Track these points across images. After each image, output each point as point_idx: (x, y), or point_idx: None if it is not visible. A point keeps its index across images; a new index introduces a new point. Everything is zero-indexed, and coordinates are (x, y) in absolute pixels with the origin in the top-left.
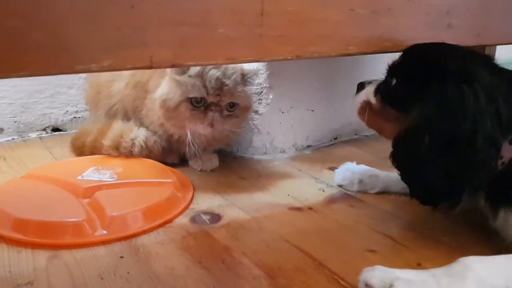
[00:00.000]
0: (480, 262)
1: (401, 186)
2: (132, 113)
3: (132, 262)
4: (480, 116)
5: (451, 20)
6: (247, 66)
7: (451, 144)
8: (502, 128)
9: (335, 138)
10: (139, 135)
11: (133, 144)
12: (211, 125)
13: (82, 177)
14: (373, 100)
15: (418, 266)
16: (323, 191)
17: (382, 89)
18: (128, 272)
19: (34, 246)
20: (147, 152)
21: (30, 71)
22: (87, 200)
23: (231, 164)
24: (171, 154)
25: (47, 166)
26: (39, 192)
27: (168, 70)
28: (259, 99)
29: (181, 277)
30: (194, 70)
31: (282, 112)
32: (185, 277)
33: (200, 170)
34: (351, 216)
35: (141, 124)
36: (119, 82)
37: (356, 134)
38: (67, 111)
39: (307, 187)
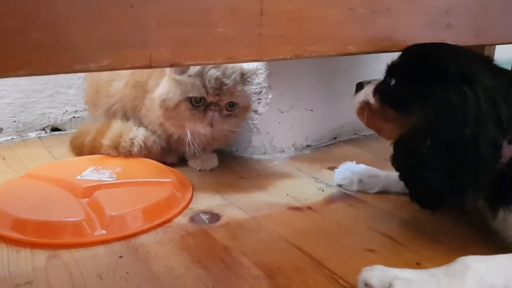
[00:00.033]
0: (479, 262)
1: (401, 186)
2: (131, 113)
3: (131, 262)
4: (482, 119)
5: (451, 20)
6: (247, 66)
7: (453, 147)
8: (502, 128)
9: (335, 138)
10: (138, 134)
11: (132, 143)
12: (211, 124)
13: (81, 176)
14: (372, 100)
15: (418, 265)
16: (323, 190)
17: (381, 89)
18: (127, 272)
19: (33, 245)
20: (146, 152)
21: (29, 71)
22: (86, 199)
23: (231, 164)
24: (170, 153)
25: (46, 166)
26: (38, 192)
27: (168, 69)
28: (259, 98)
29: (180, 277)
30: (193, 69)
31: (282, 112)
32: (184, 277)
33: (199, 170)
34: (350, 216)
35: (140, 123)
36: (118, 81)
37: (355, 134)
38: (66, 110)
39: (307, 186)
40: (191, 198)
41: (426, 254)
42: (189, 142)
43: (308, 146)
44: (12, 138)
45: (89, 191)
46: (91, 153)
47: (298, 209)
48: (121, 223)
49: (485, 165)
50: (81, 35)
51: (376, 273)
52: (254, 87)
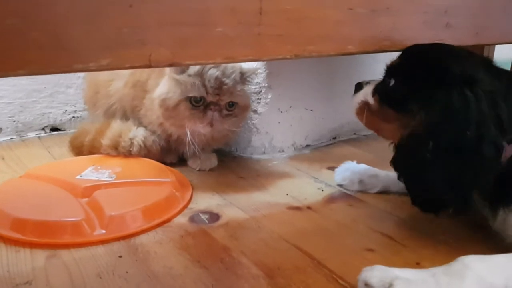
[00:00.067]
0: (479, 261)
1: (401, 186)
2: (130, 113)
3: (130, 262)
4: (484, 121)
5: (450, 20)
6: (246, 65)
7: (456, 149)
8: (503, 129)
9: (334, 138)
10: (137, 134)
11: (132, 143)
12: (211, 124)
13: (80, 176)
14: (371, 100)
15: (417, 265)
16: (322, 190)
17: (380, 90)
18: (127, 272)
19: (32, 245)
20: (146, 152)
21: (29, 70)
22: (86, 199)
23: (230, 164)
24: (170, 153)
25: (45, 166)
26: (37, 192)
27: (167, 69)
28: (258, 98)
29: (180, 277)
30: (193, 69)
31: (281, 112)
32: (183, 277)
33: (199, 170)
34: (350, 216)
35: (140, 123)
36: (118, 81)
37: (355, 134)
38: (66, 110)
39: (306, 186)
40: (190, 198)
41: (425, 253)
42: (189, 142)
43: (307, 146)
44: (12, 138)
45: (89, 191)
46: (91, 153)
47: (297, 209)
48: (121, 223)
49: (488, 167)
50: (81, 35)
51: (376, 273)
52: (254, 87)
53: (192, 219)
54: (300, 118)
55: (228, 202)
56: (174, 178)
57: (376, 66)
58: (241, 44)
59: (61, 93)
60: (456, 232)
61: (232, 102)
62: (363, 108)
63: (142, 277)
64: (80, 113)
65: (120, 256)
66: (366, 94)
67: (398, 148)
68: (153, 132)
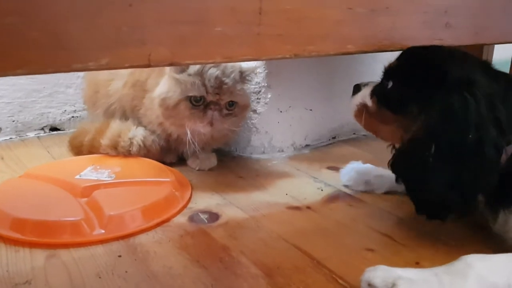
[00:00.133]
0: (481, 260)
1: None
2: (130, 113)
3: (130, 261)
4: (484, 124)
5: (449, 19)
6: (246, 64)
7: (458, 153)
8: (502, 131)
9: (334, 138)
10: (137, 134)
11: (131, 143)
12: (211, 124)
13: (80, 176)
14: (369, 102)
15: (417, 264)
16: (322, 190)
17: (378, 92)
18: (126, 271)
19: (32, 245)
20: (145, 151)
21: (28, 69)
22: (85, 199)
23: (229, 163)
24: (169, 153)
25: (45, 166)
26: (37, 192)
27: (167, 68)
28: (258, 98)
29: (179, 276)
30: (193, 68)
31: (281, 112)
32: (183, 276)
33: (198, 169)
34: (349, 215)
35: (139, 123)
36: (117, 81)
37: (354, 134)
38: (65, 110)
39: (306, 186)
40: (190, 198)
41: (425, 253)
42: (189, 141)
43: (307, 145)
44: (11, 138)
45: (88, 190)
46: (90, 152)
47: (297, 208)
48: (120, 223)
49: (491, 168)
50: (80, 34)
51: (379, 273)
52: (253, 86)
53: (191, 218)
54: (300, 118)
55: (228, 202)
56: (173, 177)
57: (376, 66)
58: (241, 44)
59: (60, 93)
60: (456, 232)
61: (232, 101)
62: (362, 110)
63: (141, 276)
64: (80, 113)
65: (120, 256)
66: (364, 96)
67: (399, 153)
68: (153, 132)
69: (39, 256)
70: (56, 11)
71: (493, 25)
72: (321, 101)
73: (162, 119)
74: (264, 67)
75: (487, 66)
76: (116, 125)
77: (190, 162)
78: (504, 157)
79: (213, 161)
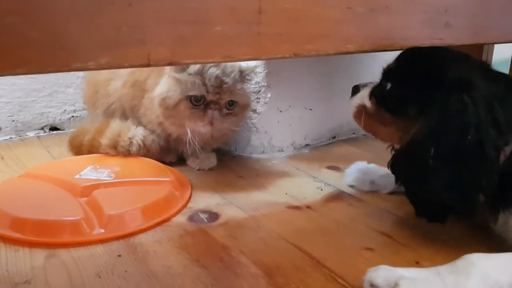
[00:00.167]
0: (484, 259)
1: None
2: (130, 112)
3: (129, 261)
4: (483, 125)
5: (449, 19)
6: (245, 63)
7: (458, 155)
8: (500, 132)
9: (333, 137)
10: (137, 134)
11: (131, 143)
12: (211, 123)
13: (80, 176)
14: (368, 103)
15: (416, 264)
16: (321, 189)
17: (377, 93)
18: (126, 271)
19: (31, 245)
20: (145, 151)
21: (27, 69)
22: (85, 199)
23: (229, 163)
24: (169, 153)
25: (45, 165)
26: (37, 191)
27: (167, 68)
28: (257, 98)
29: (179, 276)
30: (193, 68)
31: (280, 111)
32: (182, 276)
33: (198, 169)
34: (349, 215)
35: (139, 123)
36: (117, 81)
37: (354, 133)
38: (65, 110)
39: (305, 186)
40: (189, 197)
41: (425, 253)
42: (189, 141)
43: (307, 145)
44: (11, 138)
45: (88, 190)
46: (90, 152)
47: (297, 208)
48: (120, 222)
49: (490, 169)
50: (80, 34)
51: (381, 273)
52: (253, 86)
53: (191, 218)
54: (300, 117)
55: (228, 202)
56: (173, 177)
57: (375, 66)
58: (241, 43)
59: (60, 93)
60: (456, 231)
61: (232, 101)
62: (361, 112)
63: (141, 276)
64: (79, 112)
65: (119, 255)
66: (363, 97)
67: (399, 154)
68: (153, 132)
69: (39, 256)
70: (56, 11)
71: (493, 24)
72: (321, 100)
73: (162, 119)
74: (264, 67)
75: (485, 67)
76: (115, 125)
77: (190, 161)
78: (502, 158)
79: (212, 160)
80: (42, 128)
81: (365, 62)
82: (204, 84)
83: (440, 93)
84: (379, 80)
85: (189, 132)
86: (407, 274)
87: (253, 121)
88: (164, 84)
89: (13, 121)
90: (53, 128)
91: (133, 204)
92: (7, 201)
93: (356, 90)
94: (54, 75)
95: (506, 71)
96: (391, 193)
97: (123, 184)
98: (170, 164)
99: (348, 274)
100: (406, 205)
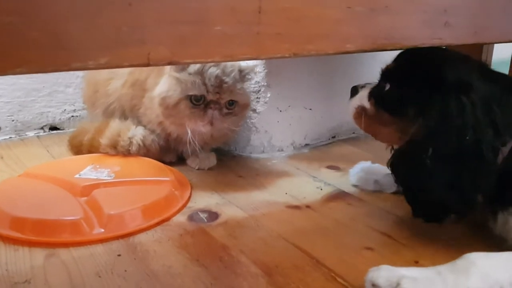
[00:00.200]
0: (484, 258)
1: None
2: (129, 112)
3: (129, 260)
4: (481, 126)
5: (449, 19)
6: (245, 62)
7: (456, 155)
8: (498, 133)
9: (333, 137)
10: (136, 133)
11: (131, 142)
12: (211, 123)
13: (79, 175)
14: (367, 104)
15: (416, 263)
16: (321, 189)
17: (376, 94)
18: (126, 270)
19: (31, 244)
20: (145, 151)
21: (27, 68)
22: (85, 198)
23: (229, 163)
24: (169, 152)
25: (44, 165)
26: (36, 191)
27: (167, 68)
28: (257, 97)
29: (179, 275)
30: (193, 67)
31: (280, 111)
32: (182, 275)
33: (198, 169)
34: (348, 214)
35: (139, 122)
36: (117, 80)
37: (354, 133)
38: (65, 109)
39: (305, 185)
40: (189, 197)
41: (424, 252)
42: (189, 141)
43: (306, 145)
44: (11, 137)
45: (88, 189)
46: (90, 152)
47: (296, 207)
48: (120, 222)
49: (488, 170)
50: (80, 33)
51: (382, 273)
52: (253, 85)
53: (191, 218)
54: (299, 117)
55: (227, 201)
56: (173, 177)
57: (375, 65)
58: (240, 43)
59: (60, 92)
60: (455, 231)
61: (232, 100)
62: (361, 113)
63: (141, 275)
64: (79, 112)
65: (119, 255)
66: (362, 98)
67: (398, 154)
68: (152, 131)
69: (39, 255)
70: (56, 11)
71: (492, 24)
72: (321, 100)
73: (162, 118)
74: (263, 67)
75: (484, 68)
76: (115, 125)
77: (189, 161)
78: (500, 158)
79: (212, 160)
80: (42, 128)
81: (365, 62)
82: (204, 84)
83: (439, 94)
84: (377, 81)
85: (189, 131)
86: (408, 273)
87: (253, 120)
88: (164, 84)
89: (13, 120)
90: (53, 128)
91: (133, 203)
92: (7, 200)
93: (355, 91)
94: (54, 74)
95: (505, 71)
96: (395, 192)
97: (123, 184)
98: (170, 163)
99: (347, 274)
100: (406, 205)
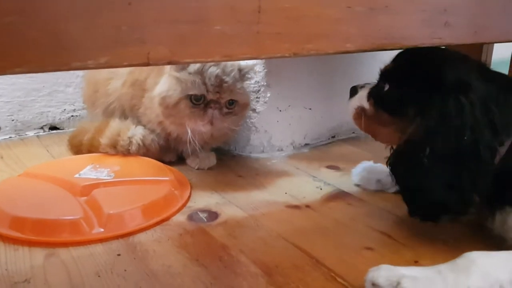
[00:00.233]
0: (485, 257)
1: None
2: (129, 112)
3: (129, 260)
4: (479, 127)
5: (449, 18)
6: (244, 62)
7: (454, 155)
8: (496, 132)
9: (333, 137)
10: (136, 133)
11: (131, 142)
12: (211, 122)
13: (79, 175)
14: (366, 104)
15: (416, 263)
16: (321, 189)
17: (375, 94)
18: (125, 270)
19: (31, 244)
20: (145, 150)
21: (27, 68)
22: (85, 198)
23: (229, 162)
24: (169, 152)
25: (44, 165)
26: (36, 190)
27: (167, 67)
28: (257, 97)
29: (178, 275)
30: (193, 67)
31: (280, 111)
32: (182, 275)
33: (198, 168)
34: (348, 214)
35: (139, 122)
36: (117, 80)
37: (353, 133)
38: (65, 109)
39: (305, 185)
40: (189, 197)
41: (424, 252)
42: (189, 140)
43: (306, 144)
44: (10, 137)
45: (87, 189)
46: (89, 151)
47: (296, 207)
48: (119, 221)
49: (485, 170)
50: (80, 33)
51: (383, 272)
52: (253, 85)
53: (190, 217)
54: (299, 117)
55: (227, 201)
56: (173, 176)
57: (375, 65)
58: (240, 43)
59: (60, 92)
60: (455, 231)
61: (232, 100)
62: (360, 114)
63: (140, 275)
64: (79, 112)
65: (119, 255)
66: (361, 98)
67: (396, 154)
68: (152, 131)
69: (38, 255)
70: (56, 11)
71: (492, 24)
72: (321, 100)
73: (161, 118)
74: (263, 66)
75: (484, 68)
76: (115, 124)
77: (189, 161)
78: (497, 158)
79: (212, 160)
80: (41, 128)
81: (365, 62)
82: (204, 83)
83: (438, 94)
84: (376, 81)
85: (189, 131)
86: (408, 273)
87: (252, 120)
88: (164, 83)
89: (12, 120)
90: (53, 128)
91: (133, 203)
92: (7, 200)
93: (354, 91)
94: (54, 74)
95: (505, 71)
96: (397, 192)
97: (123, 183)
98: (169, 163)
99: (347, 274)
100: (405, 205)
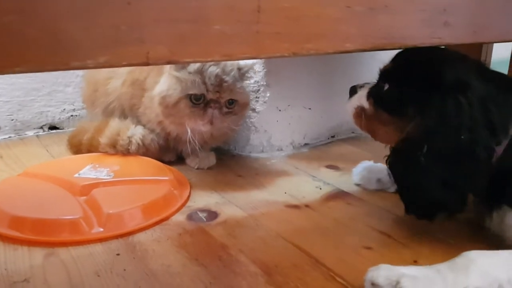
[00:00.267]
0: (484, 256)
1: None
2: (129, 111)
3: (128, 260)
4: (476, 126)
5: (448, 18)
6: (244, 61)
7: (451, 154)
8: (494, 132)
9: (333, 136)
10: (136, 133)
11: (130, 142)
12: (211, 122)
13: (79, 175)
14: (366, 104)
15: (415, 263)
16: (320, 189)
17: (374, 93)
18: (125, 269)
19: (30, 243)
20: (144, 150)
21: (26, 67)
22: (84, 197)
23: (228, 162)
24: (168, 152)
25: (44, 164)
26: (36, 190)
27: (167, 67)
28: (256, 97)
29: (178, 275)
30: (193, 66)
31: (280, 110)
32: (181, 275)
33: (197, 168)
34: (347, 214)
35: (138, 122)
36: (116, 80)
37: (353, 132)
38: (64, 109)
39: (304, 185)
40: (188, 196)
41: (423, 251)
42: (189, 140)
43: (306, 144)
44: (10, 137)
45: (87, 189)
46: (89, 151)
47: (295, 207)
48: (119, 221)
49: (481, 169)
50: (79, 32)
51: (382, 272)
52: (252, 85)
53: (190, 217)
54: (299, 116)
55: (227, 200)
56: (172, 176)
57: (375, 65)
58: (240, 42)
59: (59, 92)
60: (454, 230)
61: (232, 99)
62: (360, 113)
63: (140, 275)
64: (79, 111)
65: (118, 254)
66: (361, 98)
67: (394, 152)
68: (152, 131)
69: (38, 255)
70: (55, 10)
71: (492, 23)
72: (320, 100)
73: (161, 118)
74: (263, 66)
75: (483, 68)
76: (115, 124)
77: (189, 160)
78: (495, 157)
79: (212, 159)
80: (41, 127)
81: (364, 61)
82: (204, 83)
83: (437, 94)
84: (376, 81)
85: (189, 130)
86: (408, 272)
87: (252, 120)
88: (164, 83)
89: (12, 120)
90: (52, 127)
91: (132, 203)
92: (6, 200)
93: (353, 91)
94: (53, 74)
95: (505, 71)
96: (397, 191)
97: (122, 183)
98: (169, 163)
99: (347, 273)
100: None
